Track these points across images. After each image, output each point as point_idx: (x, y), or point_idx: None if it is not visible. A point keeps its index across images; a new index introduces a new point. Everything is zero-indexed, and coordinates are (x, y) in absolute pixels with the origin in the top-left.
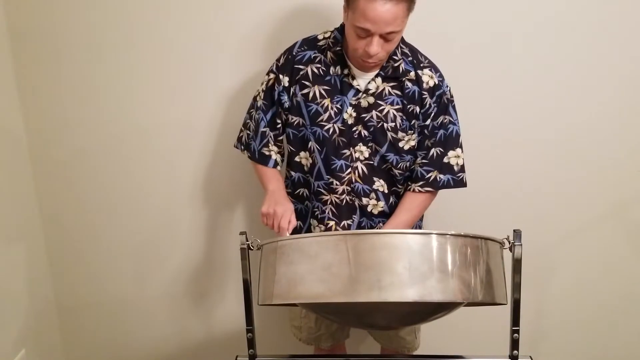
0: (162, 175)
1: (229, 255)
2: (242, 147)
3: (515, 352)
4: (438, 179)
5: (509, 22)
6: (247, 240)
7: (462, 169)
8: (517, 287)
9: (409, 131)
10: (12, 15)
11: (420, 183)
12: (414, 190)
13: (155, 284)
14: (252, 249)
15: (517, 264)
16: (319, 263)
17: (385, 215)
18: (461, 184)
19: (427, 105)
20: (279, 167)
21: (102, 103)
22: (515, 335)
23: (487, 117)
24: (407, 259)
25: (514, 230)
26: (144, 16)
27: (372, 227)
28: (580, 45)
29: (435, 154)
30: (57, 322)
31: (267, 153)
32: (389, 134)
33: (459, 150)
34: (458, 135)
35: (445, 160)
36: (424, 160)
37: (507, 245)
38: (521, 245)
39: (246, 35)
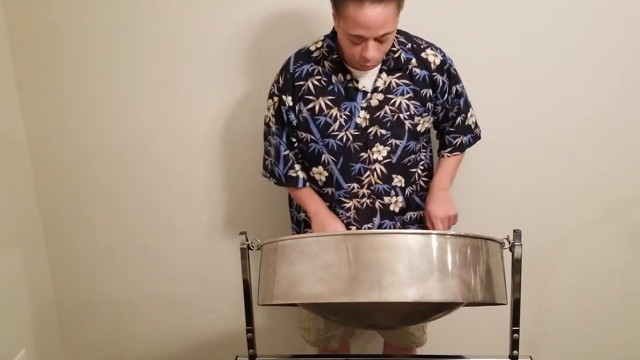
0: (162, 176)
1: (228, 255)
2: (268, 175)
3: (515, 352)
4: (463, 141)
5: (509, 22)
6: (247, 240)
7: (476, 124)
8: (517, 287)
9: (424, 114)
10: (12, 16)
11: (449, 149)
12: (443, 156)
13: (155, 284)
14: (252, 249)
15: (517, 264)
16: (319, 263)
17: (403, 212)
18: (478, 138)
19: (440, 84)
20: (308, 184)
21: (102, 105)
22: (515, 335)
23: (487, 117)
24: (407, 259)
25: (514, 230)
26: (145, 17)
27: (393, 227)
28: (580, 46)
29: (460, 122)
30: (57, 322)
31: (294, 175)
32: (407, 123)
33: (471, 109)
34: (467, 96)
35: (466, 123)
36: (451, 129)
37: (507, 245)
38: (521, 245)
39: (251, 38)
